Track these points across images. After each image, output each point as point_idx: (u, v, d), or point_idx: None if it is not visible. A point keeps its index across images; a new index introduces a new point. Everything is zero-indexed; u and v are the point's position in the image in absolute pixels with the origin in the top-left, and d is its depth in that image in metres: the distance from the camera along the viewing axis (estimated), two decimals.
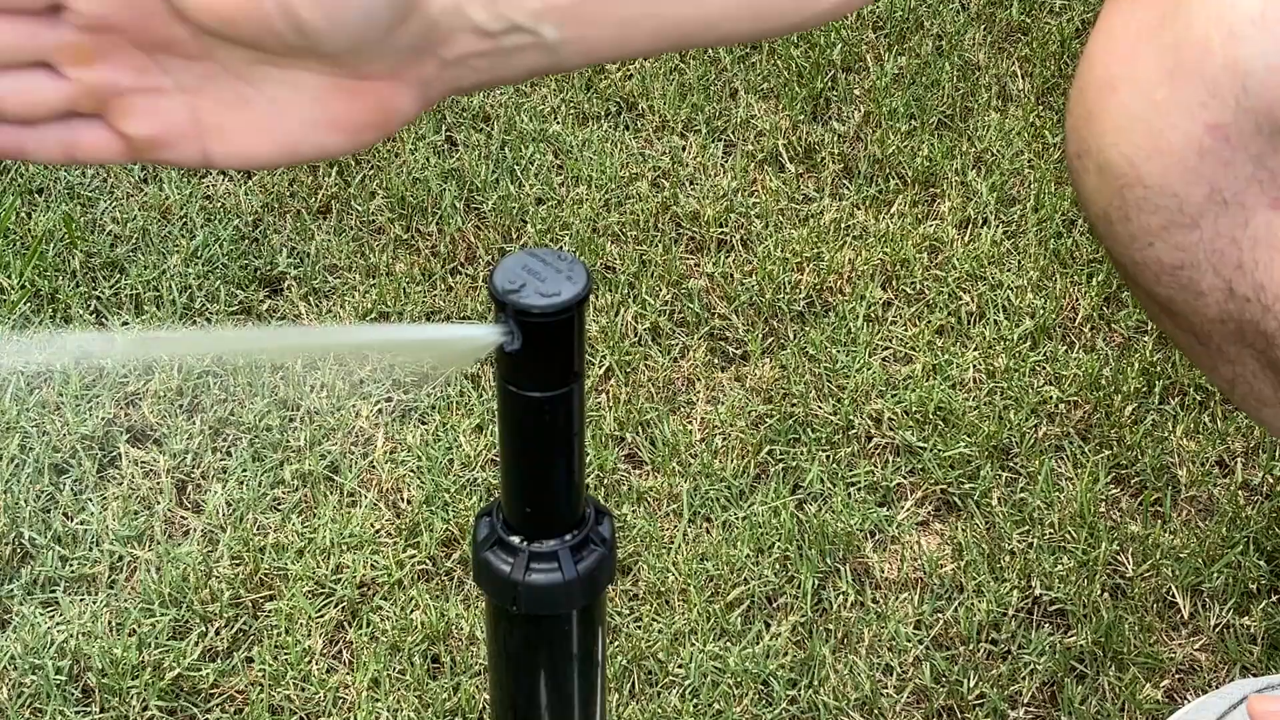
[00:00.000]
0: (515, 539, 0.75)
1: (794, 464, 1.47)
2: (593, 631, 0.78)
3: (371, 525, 1.40)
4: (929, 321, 1.62)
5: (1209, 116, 0.82)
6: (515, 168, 1.78)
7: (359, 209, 1.72)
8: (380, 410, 1.51)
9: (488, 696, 1.22)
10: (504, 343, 0.70)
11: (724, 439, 1.49)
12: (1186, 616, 1.36)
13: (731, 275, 1.66)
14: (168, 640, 1.31)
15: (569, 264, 0.71)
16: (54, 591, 1.35)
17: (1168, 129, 0.83)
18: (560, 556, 0.73)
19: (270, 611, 1.34)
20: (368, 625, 1.33)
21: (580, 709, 0.80)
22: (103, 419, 1.48)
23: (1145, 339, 1.60)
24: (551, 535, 0.74)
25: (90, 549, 1.38)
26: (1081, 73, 0.87)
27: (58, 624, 1.32)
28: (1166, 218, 0.85)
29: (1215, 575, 1.38)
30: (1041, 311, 1.62)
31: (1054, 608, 1.37)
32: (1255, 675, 1.32)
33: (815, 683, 1.30)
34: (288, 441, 1.48)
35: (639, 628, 1.33)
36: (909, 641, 1.33)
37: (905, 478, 1.47)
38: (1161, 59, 0.82)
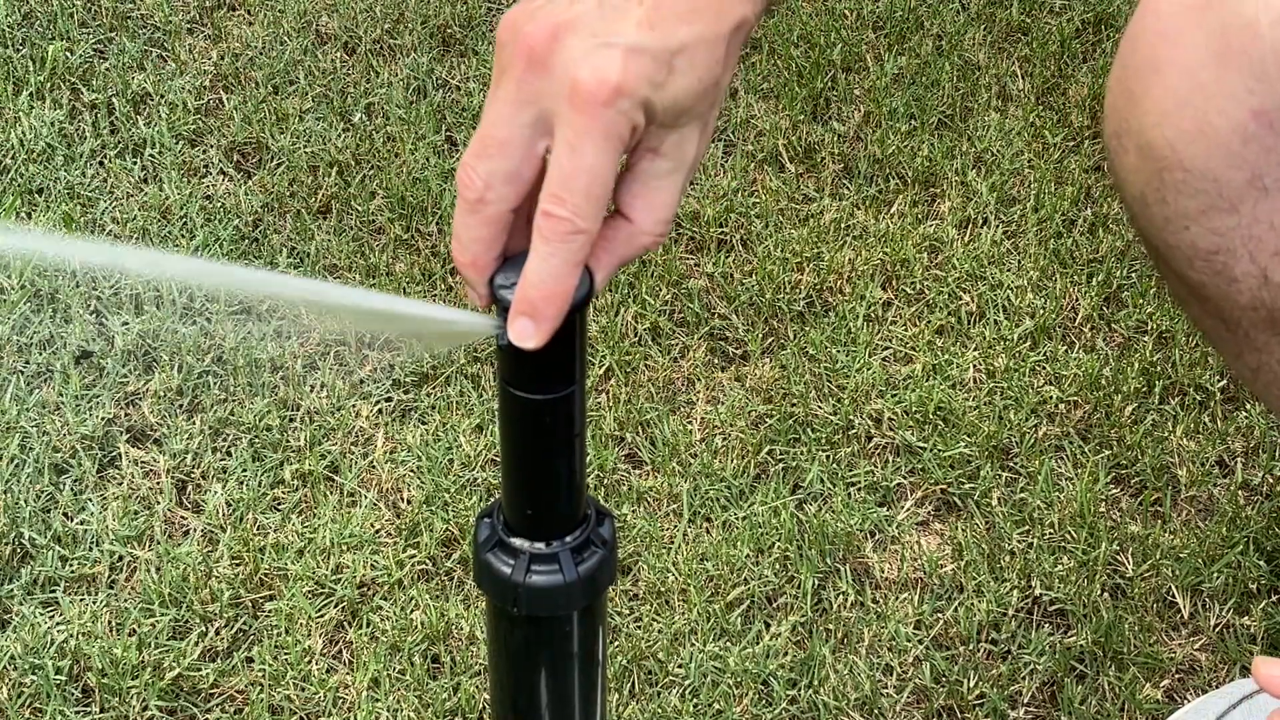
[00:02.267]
0: (516, 541, 0.74)
1: (794, 464, 1.47)
2: (593, 631, 0.78)
3: (371, 525, 1.40)
4: (929, 321, 1.62)
5: (1255, 102, 0.81)
6: None
7: (359, 209, 1.72)
8: (380, 410, 1.51)
9: (488, 696, 1.22)
10: (497, 335, 0.70)
11: (724, 439, 1.49)
12: (1186, 616, 1.36)
13: (731, 275, 1.66)
14: (168, 640, 1.31)
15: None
16: (54, 591, 1.35)
17: (1213, 113, 0.82)
18: (561, 558, 0.73)
19: (270, 611, 1.34)
20: (368, 625, 1.33)
21: (581, 708, 0.80)
22: (103, 419, 1.48)
23: (1145, 339, 1.60)
24: (552, 537, 0.74)
25: (90, 549, 1.38)
26: (1124, 52, 0.86)
27: (58, 624, 1.32)
28: (1205, 202, 0.85)
29: (1215, 575, 1.38)
30: (1041, 311, 1.62)
31: (1054, 608, 1.37)
32: None
33: (815, 683, 1.30)
34: (288, 441, 1.48)
35: (639, 628, 1.33)
36: (909, 641, 1.33)
37: (905, 478, 1.47)
38: (1209, 42, 0.82)
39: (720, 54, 0.71)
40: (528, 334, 0.68)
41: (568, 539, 0.74)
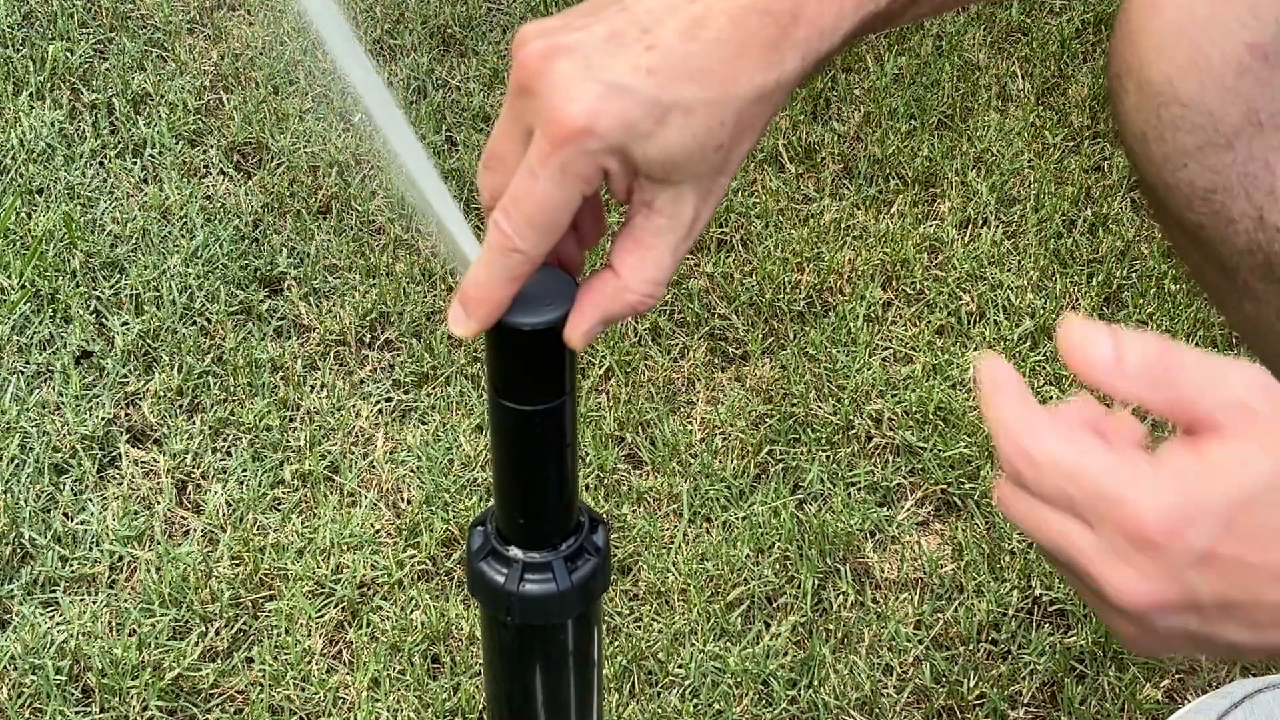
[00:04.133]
0: (509, 549, 0.74)
1: (794, 464, 1.47)
2: (588, 636, 0.78)
3: (371, 525, 1.41)
4: (929, 321, 1.62)
5: (1249, 35, 0.81)
6: None
7: (359, 209, 1.72)
8: (380, 410, 1.51)
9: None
10: None
11: (724, 439, 1.49)
12: None
13: (731, 275, 1.66)
14: (168, 640, 1.32)
15: (567, 283, 0.71)
16: (54, 591, 1.35)
17: (1207, 45, 0.82)
18: (554, 567, 0.73)
19: (270, 611, 1.34)
20: (368, 625, 1.33)
21: (577, 709, 0.80)
22: (103, 419, 1.49)
23: None
24: (545, 545, 0.74)
25: (90, 549, 1.39)
26: None
27: (58, 624, 1.32)
28: (1202, 138, 0.85)
29: None
30: (1041, 311, 1.62)
31: (1054, 608, 1.37)
32: (1255, 675, 1.32)
33: (815, 683, 1.30)
34: (288, 441, 1.48)
35: (639, 628, 1.33)
36: (909, 641, 1.33)
37: (905, 478, 1.47)
38: None
39: (727, 119, 0.68)
40: (459, 321, 0.70)
41: (561, 547, 0.74)
